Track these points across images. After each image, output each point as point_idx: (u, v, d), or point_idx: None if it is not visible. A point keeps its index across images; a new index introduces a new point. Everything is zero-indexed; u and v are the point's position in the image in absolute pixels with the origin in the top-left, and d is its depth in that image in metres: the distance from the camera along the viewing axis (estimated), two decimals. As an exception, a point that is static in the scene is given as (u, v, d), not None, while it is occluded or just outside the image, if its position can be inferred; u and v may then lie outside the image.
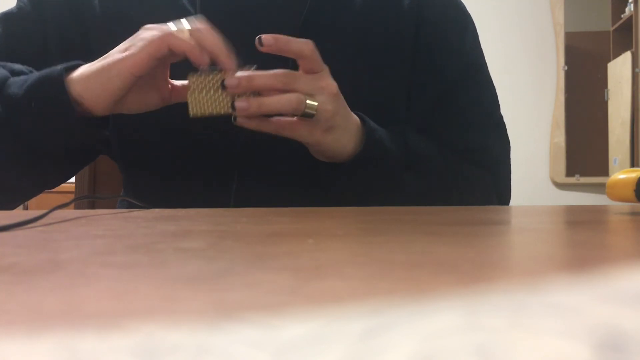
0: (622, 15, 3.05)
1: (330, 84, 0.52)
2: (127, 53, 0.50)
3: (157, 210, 0.47)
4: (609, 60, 3.12)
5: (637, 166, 2.82)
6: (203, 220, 0.35)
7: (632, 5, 2.96)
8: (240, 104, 0.49)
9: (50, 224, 0.32)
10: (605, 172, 3.07)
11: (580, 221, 0.34)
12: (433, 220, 0.34)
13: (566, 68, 3.14)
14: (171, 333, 0.09)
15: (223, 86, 0.50)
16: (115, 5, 0.64)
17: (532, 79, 3.13)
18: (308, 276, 0.15)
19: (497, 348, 0.08)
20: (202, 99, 0.51)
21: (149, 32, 0.51)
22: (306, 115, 0.51)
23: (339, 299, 0.12)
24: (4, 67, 0.57)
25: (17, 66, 0.59)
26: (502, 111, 0.72)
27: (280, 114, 0.52)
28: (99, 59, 0.52)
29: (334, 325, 0.09)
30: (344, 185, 0.59)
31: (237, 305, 0.11)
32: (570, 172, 3.14)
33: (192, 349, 0.08)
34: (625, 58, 2.93)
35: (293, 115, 0.52)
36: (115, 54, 0.51)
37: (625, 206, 0.51)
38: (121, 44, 0.52)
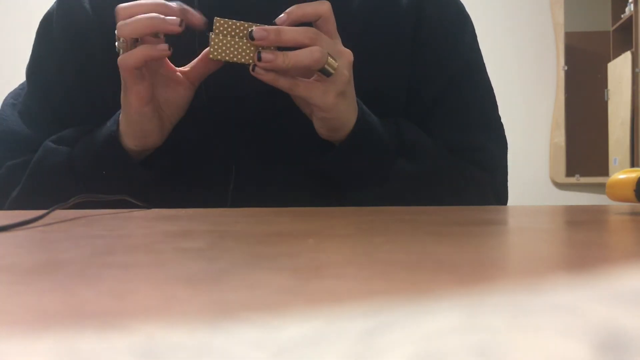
0: (622, 15, 3.05)
1: (348, 51, 0.53)
2: (126, 97, 0.53)
3: (157, 210, 0.47)
4: (609, 60, 3.11)
5: (637, 166, 2.82)
6: (203, 220, 0.35)
7: (632, 5, 2.96)
8: (266, 55, 0.49)
9: (50, 224, 0.32)
10: (605, 172, 3.07)
11: (580, 221, 0.34)
12: (433, 220, 0.34)
13: (566, 68, 3.14)
14: (171, 333, 0.09)
15: (251, 36, 0.49)
16: (109, 15, 0.64)
17: (532, 79, 3.13)
18: (308, 276, 0.15)
19: (497, 348, 0.08)
20: (226, 43, 0.50)
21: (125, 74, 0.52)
22: (325, 72, 0.51)
23: (339, 299, 0.12)
24: (58, 141, 0.60)
25: (67, 132, 0.61)
26: (502, 111, 0.72)
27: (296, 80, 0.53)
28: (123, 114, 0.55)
29: (334, 325, 0.09)
30: (337, 170, 0.59)
31: (237, 305, 0.11)
32: (570, 172, 3.14)
33: (192, 349, 0.08)
34: (625, 58, 2.93)
35: (312, 73, 0.52)
36: (123, 101, 0.54)
37: (625, 206, 0.51)
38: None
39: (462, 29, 0.69)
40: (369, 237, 0.24)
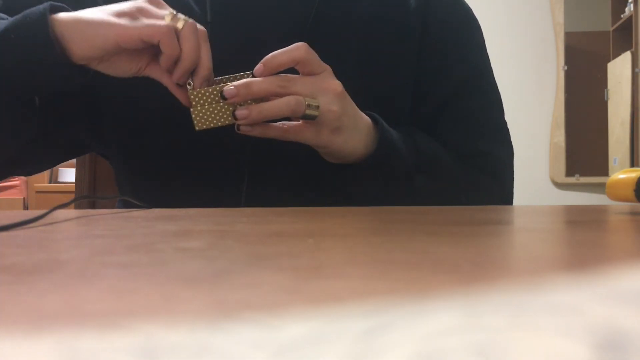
0: (622, 15, 3.05)
1: (334, 84, 0.51)
2: (122, 21, 0.48)
3: (157, 210, 0.47)
4: (609, 60, 3.12)
5: (637, 166, 2.82)
6: (203, 220, 0.35)
7: (632, 5, 2.96)
8: (240, 112, 0.49)
9: (50, 224, 0.32)
10: (605, 172, 3.07)
11: (580, 221, 0.34)
12: (433, 220, 0.34)
13: (566, 68, 3.14)
14: (171, 333, 0.09)
15: (223, 97, 0.50)
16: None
17: (532, 79, 3.13)
18: (308, 276, 0.15)
19: (497, 348, 0.08)
20: (205, 112, 0.51)
21: (152, 20, 0.49)
22: (308, 117, 0.50)
23: (339, 299, 0.12)
24: None
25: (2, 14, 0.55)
26: (502, 111, 0.72)
27: (287, 119, 0.52)
28: (92, 9, 0.50)
29: (334, 325, 0.09)
30: (354, 187, 0.58)
31: (237, 305, 0.11)
32: (570, 172, 3.14)
33: (192, 349, 0.08)
34: (625, 58, 2.93)
35: (297, 119, 0.51)
36: (110, 14, 0.49)
37: (625, 206, 0.51)
38: (122, 4, 0.50)
39: (469, 33, 0.69)
40: (369, 237, 0.24)
